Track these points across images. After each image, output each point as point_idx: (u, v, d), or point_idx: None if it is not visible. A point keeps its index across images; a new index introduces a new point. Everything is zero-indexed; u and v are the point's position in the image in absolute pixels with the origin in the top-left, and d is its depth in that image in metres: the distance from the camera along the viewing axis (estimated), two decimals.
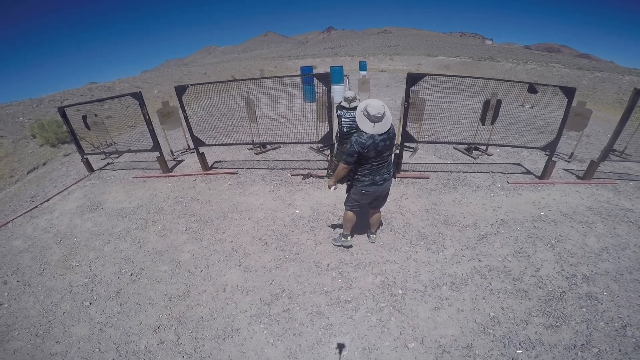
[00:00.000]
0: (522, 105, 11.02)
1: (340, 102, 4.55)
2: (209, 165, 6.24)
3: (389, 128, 2.81)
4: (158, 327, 3.03)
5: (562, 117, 4.83)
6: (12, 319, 3.33)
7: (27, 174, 7.65)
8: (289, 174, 5.76)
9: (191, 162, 6.76)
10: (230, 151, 7.12)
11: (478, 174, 5.26)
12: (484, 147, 6.53)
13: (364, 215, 3.74)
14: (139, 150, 6.58)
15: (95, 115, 7.47)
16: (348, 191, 3.34)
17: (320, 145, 6.90)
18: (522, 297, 2.93)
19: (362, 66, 20.99)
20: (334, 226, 4.18)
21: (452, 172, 5.40)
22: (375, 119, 2.68)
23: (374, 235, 3.81)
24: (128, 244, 4.24)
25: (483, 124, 5.89)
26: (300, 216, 4.52)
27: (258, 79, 5.90)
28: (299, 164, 6.25)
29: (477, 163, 5.91)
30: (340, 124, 4.51)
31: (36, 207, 5.65)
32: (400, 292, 3.03)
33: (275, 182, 5.50)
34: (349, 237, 3.67)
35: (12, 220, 5.26)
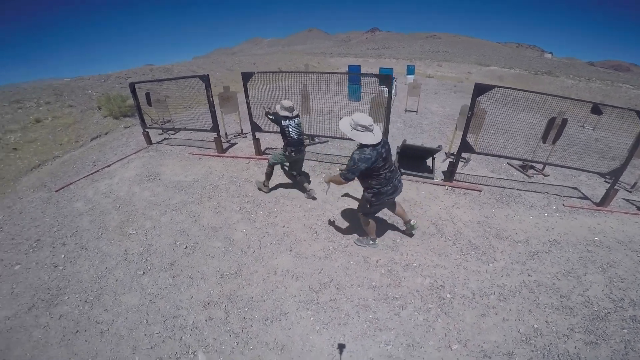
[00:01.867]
0: (582, 126, 10.31)
1: (276, 112, 4.45)
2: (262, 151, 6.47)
3: (382, 137, 2.88)
4: (208, 303, 3.14)
5: (632, 143, 4.48)
6: (64, 282, 3.50)
7: (91, 140, 8.37)
8: (338, 169, 5.84)
9: (243, 145, 7.06)
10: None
11: (532, 193, 5.14)
12: (540, 166, 6.24)
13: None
14: (197, 130, 6.95)
15: (149, 93, 8.02)
16: (369, 205, 3.26)
17: None
18: (567, 313, 3.00)
19: (410, 70, 20.60)
20: (333, 224, 4.24)
21: (506, 188, 5.29)
22: (371, 128, 2.76)
23: (414, 222, 3.83)
24: (184, 216, 4.49)
25: (544, 142, 5.65)
26: (350, 211, 4.58)
27: (318, 72, 6.04)
28: (346, 160, 6.29)
29: (532, 182, 5.69)
30: (287, 133, 4.37)
31: (97, 171, 6.17)
32: (448, 296, 3.09)
33: (324, 175, 5.59)
34: (377, 240, 3.78)
35: (74, 182, 5.77)
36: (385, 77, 4.90)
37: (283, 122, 4.35)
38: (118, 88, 10.60)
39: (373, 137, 2.77)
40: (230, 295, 3.24)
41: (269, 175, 4.79)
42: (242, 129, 7.84)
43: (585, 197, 5.21)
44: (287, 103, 4.34)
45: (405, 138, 6.37)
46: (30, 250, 4.00)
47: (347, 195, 4.97)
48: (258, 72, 5.48)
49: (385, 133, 5.19)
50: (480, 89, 4.80)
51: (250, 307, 3.07)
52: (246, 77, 5.48)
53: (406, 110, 11.33)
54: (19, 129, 7.96)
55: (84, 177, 5.91)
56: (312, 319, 2.91)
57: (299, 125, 4.38)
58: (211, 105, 5.98)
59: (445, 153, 6.30)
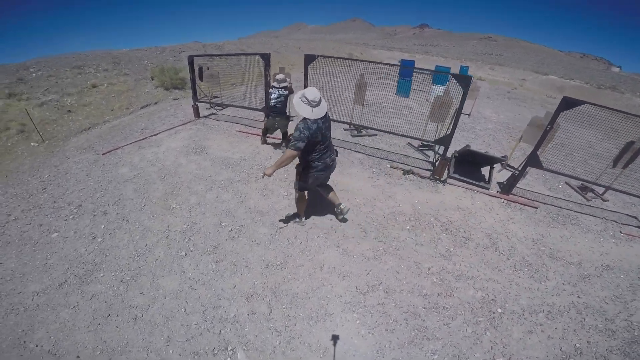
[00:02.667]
0: None
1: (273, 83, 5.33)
2: None
3: (326, 113, 3.04)
4: (251, 295, 2.96)
5: None
6: (101, 257, 3.33)
7: (141, 108, 8.58)
8: (388, 165, 5.51)
9: (290, 129, 6.85)
10: None
11: (589, 217, 4.93)
12: (599, 190, 5.73)
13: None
14: (248, 108, 6.87)
15: (208, 69, 8.03)
16: (299, 176, 3.36)
17: (420, 143, 6.51)
18: (608, 335, 3.00)
19: (464, 71, 19.45)
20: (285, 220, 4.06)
21: (562, 209, 5.03)
22: (314, 104, 2.89)
23: (343, 206, 3.82)
24: (230, 195, 4.38)
25: (614, 166, 5.23)
26: (401, 212, 4.33)
27: (379, 63, 5.66)
28: (397, 157, 5.95)
29: (590, 205, 5.35)
30: (269, 99, 5.30)
31: (145, 138, 6.25)
32: (499, 310, 3.05)
33: (374, 170, 5.30)
34: (303, 219, 3.86)
35: (122, 146, 5.86)
36: (463, 79, 4.47)
37: (270, 90, 5.26)
38: (172, 61, 10.84)
39: (311, 113, 2.91)
40: (274, 288, 3.06)
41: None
42: (289, 112, 7.65)
43: None
44: (278, 76, 5.11)
45: (469, 143, 5.89)
46: (71, 217, 3.97)
47: (393, 196, 4.65)
48: (321, 56, 5.21)
49: (450, 136, 4.89)
50: (568, 103, 4.31)
51: (295, 304, 2.91)
52: (309, 59, 5.25)
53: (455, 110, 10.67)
54: (76, 93, 8.32)
55: (131, 143, 6.01)
56: (357, 322, 2.78)
57: (279, 96, 5.15)
58: (267, 85, 5.81)
59: (502, 164, 5.78)
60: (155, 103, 8.97)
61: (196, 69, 7.33)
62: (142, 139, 6.19)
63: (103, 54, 10.96)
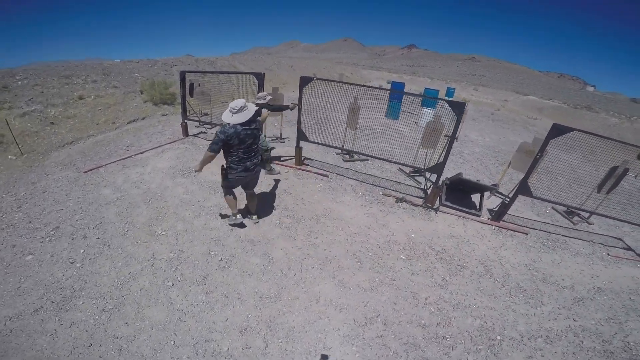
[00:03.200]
0: (636, 177, 9.48)
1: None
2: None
3: (250, 122, 3.32)
4: (245, 329, 2.85)
5: None
6: (80, 283, 3.15)
7: (127, 123, 8.35)
8: (381, 192, 5.49)
9: (281, 151, 6.81)
10: (318, 151, 7.04)
11: (577, 241, 5.12)
12: (585, 214, 5.95)
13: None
14: None
15: (199, 85, 7.93)
16: (223, 179, 3.63)
17: (411, 169, 6.54)
18: (607, 357, 3.09)
19: (450, 92, 20.08)
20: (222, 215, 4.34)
21: (551, 234, 5.17)
22: (233, 111, 3.23)
23: (255, 216, 4.24)
24: (219, 222, 4.21)
25: (599, 192, 5.45)
26: (395, 241, 4.31)
27: (375, 88, 5.71)
28: (389, 184, 5.95)
29: (577, 229, 5.56)
30: None
31: (130, 156, 6.03)
32: (498, 337, 3.08)
33: (367, 197, 5.27)
34: (238, 215, 3.98)
35: (105, 165, 5.60)
36: (458, 105, 4.54)
37: None
38: (163, 74, 10.69)
39: (230, 118, 3.24)
40: (269, 322, 2.95)
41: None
42: (281, 134, 7.60)
43: (629, 248, 5.24)
44: (258, 94, 4.85)
45: (461, 171, 5.98)
46: (47, 239, 3.72)
47: (387, 225, 4.61)
48: (317, 78, 5.21)
49: (443, 164, 4.93)
50: (558, 131, 4.41)
51: (292, 338, 2.84)
52: (304, 81, 5.22)
53: (445, 136, 10.86)
54: (61, 104, 8.04)
55: (115, 162, 5.77)
56: (357, 355, 2.75)
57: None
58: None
59: (492, 192, 5.88)
60: (143, 118, 8.76)
61: (187, 85, 7.24)
62: (127, 157, 5.96)
63: (94, 64, 10.72)
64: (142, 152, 6.22)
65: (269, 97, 5.06)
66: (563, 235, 5.18)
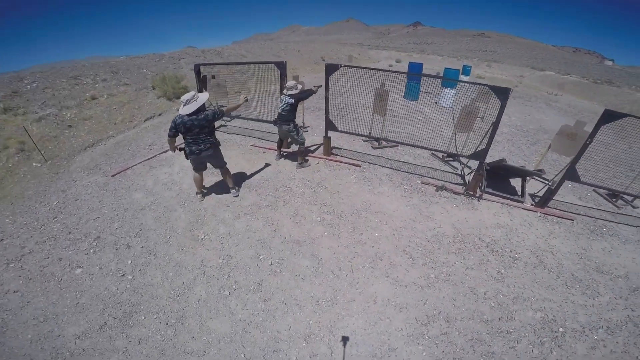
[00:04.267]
0: None
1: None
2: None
3: (197, 113, 3.71)
4: (309, 336, 2.81)
5: None
6: (136, 297, 3.13)
7: (144, 121, 8.26)
8: (419, 181, 5.30)
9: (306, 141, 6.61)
10: (344, 139, 6.83)
11: (624, 226, 4.92)
12: (629, 198, 5.68)
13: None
14: (260, 120, 6.59)
15: (213, 77, 7.74)
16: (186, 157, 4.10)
17: (444, 154, 6.31)
18: None
19: (466, 70, 19.44)
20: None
21: (597, 219, 4.99)
22: (182, 103, 3.67)
23: (234, 190, 4.65)
24: (261, 223, 4.11)
25: None
26: (443, 234, 4.17)
27: (401, 72, 5.43)
28: (424, 171, 5.75)
29: (622, 214, 5.31)
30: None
31: (155, 156, 5.96)
32: (560, 329, 3.08)
33: (405, 187, 5.10)
34: (198, 195, 4.59)
35: (131, 167, 5.56)
36: (502, 91, 4.30)
37: (281, 97, 5.08)
38: (172, 68, 10.49)
39: (181, 109, 3.69)
40: (330, 327, 2.90)
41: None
42: (303, 122, 7.41)
43: None
44: (288, 83, 4.92)
45: (504, 157, 5.76)
46: (91, 251, 3.71)
47: (432, 216, 4.46)
48: (345, 66, 4.97)
49: (486, 151, 4.72)
50: (610, 116, 4.18)
51: (355, 342, 2.81)
52: (330, 69, 4.99)
53: (479, 118, 10.53)
54: (75, 106, 7.95)
55: (140, 162, 5.71)
56: (424, 354, 2.75)
57: (285, 103, 4.89)
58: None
59: (537, 176, 5.63)
60: (159, 115, 8.65)
61: (204, 77, 7.07)
62: (152, 157, 5.89)
63: (100, 63, 10.57)
64: (166, 151, 6.14)
65: (300, 86, 4.87)
66: (610, 221, 4.98)
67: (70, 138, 6.86)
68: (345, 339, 2.80)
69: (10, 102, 7.40)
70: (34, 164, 5.79)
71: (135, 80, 9.68)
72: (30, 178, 5.38)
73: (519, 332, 2.99)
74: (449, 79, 6.82)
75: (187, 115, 3.65)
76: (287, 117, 4.93)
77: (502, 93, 4.38)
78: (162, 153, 6.07)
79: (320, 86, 5.18)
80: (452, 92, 11.07)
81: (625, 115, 4.27)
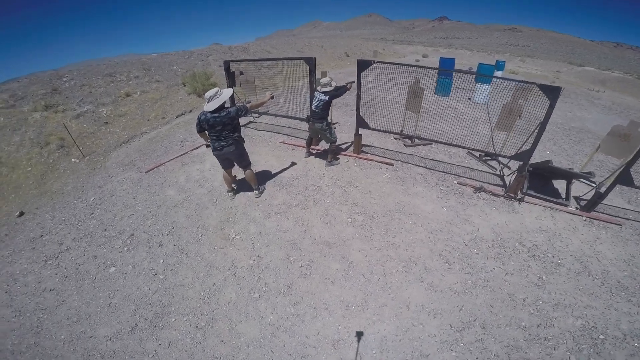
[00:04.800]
0: None
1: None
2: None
3: (219, 110, 3.68)
4: (337, 342, 2.74)
5: None
6: (167, 297, 3.13)
7: (176, 117, 8.46)
8: (456, 182, 5.07)
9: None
10: (374, 136, 6.67)
11: None
12: None
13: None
14: (289, 117, 6.53)
15: (241, 73, 7.78)
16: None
17: (482, 153, 6.01)
18: None
19: (500, 66, 18.50)
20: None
21: None
22: (206, 100, 3.68)
23: (256, 191, 4.62)
24: (291, 223, 4.06)
25: None
26: (482, 238, 3.96)
27: (434, 68, 5.20)
28: (461, 171, 5.50)
29: None
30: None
31: (186, 152, 6.05)
32: (601, 337, 2.99)
33: (441, 187, 4.89)
34: (229, 193, 4.61)
35: (164, 163, 5.67)
36: (552, 90, 4.03)
37: (315, 93, 4.91)
38: (200, 65, 10.69)
39: (205, 106, 3.69)
40: (360, 332, 2.82)
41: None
42: (331, 119, 7.31)
43: None
44: (323, 80, 4.76)
45: (550, 159, 5.44)
46: (125, 249, 3.79)
47: (469, 219, 4.28)
48: (378, 62, 4.81)
49: (531, 152, 4.50)
50: None
51: (385, 349, 2.73)
52: (363, 65, 4.85)
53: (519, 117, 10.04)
54: (111, 103, 8.26)
55: (173, 159, 5.82)
56: None
57: (319, 101, 4.75)
58: (312, 93, 5.47)
59: (586, 179, 5.25)
60: (190, 111, 8.84)
61: (236, 73, 7.12)
62: (184, 154, 6.00)
63: (132, 60, 10.96)
64: (197, 148, 6.24)
65: (334, 83, 4.76)
66: None
67: (107, 134, 7.14)
68: (373, 343, 2.71)
69: (51, 99, 7.80)
70: (73, 160, 6.06)
71: (166, 77, 9.94)
72: (70, 174, 5.62)
73: (557, 339, 2.92)
74: (490, 75, 6.48)
75: (210, 112, 3.67)
76: (320, 114, 4.83)
77: (552, 92, 4.09)
78: (193, 149, 6.16)
79: (354, 82, 5.05)
80: (487, 87, 10.59)
81: None
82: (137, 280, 3.36)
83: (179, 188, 4.90)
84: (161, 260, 3.58)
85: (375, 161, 5.53)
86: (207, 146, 4.15)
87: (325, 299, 3.09)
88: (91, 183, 5.26)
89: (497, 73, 17.74)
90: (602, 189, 4.67)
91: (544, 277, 3.50)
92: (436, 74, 11.21)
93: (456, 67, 16.22)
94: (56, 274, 3.51)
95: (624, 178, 4.34)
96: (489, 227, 4.13)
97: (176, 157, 5.87)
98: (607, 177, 4.92)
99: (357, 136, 5.56)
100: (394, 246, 3.71)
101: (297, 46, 18.32)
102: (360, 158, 5.63)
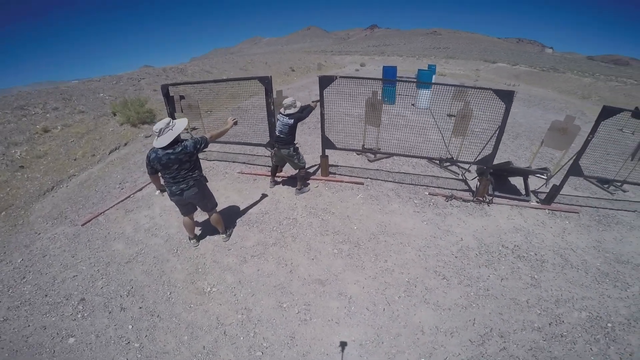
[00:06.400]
0: (622, 130, 9.80)
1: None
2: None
3: (173, 145, 3.11)
4: None
5: None
6: None
7: (109, 153, 7.49)
8: (427, 192, 5.14)
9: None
10: (337, 154, 6.55)
11: (623, 212, 5.12)
12: (617, 183, 5.94)
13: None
14: (246, 143, 6.10)
15: (182, 97, 7.18)
16: None
17: (443, 160, 6.24)
18: None
19: (432, 69, 19.98)
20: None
21: (599, 209, 5.15)
22: (155, 133, 3.07)
23: (224, 235, 4.10)
24: (273, 265, 3.69)
25: (632, 159, 5.69)
26: (467, 246, 4.04)
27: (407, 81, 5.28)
28: (428, 180, 5.63)
29: (617, 199, 5.57)
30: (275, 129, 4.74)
31: (128, 197, 5.31)
32: (609, 325, 3.13)
33: (415, 201, 4.91)
34: (192, 240, 4.04)
35: (103, 212, 4.87)
36: (506, 94, 4.27)
37: (277, 116, 4.62)
38: (132, 90, 9.70)
39: (155, 142, 3.11)
40: None
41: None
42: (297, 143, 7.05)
43: None
44: (284, 101, 4.51)
45: (509, 160, 5.76)
46: (79, 316, 3.14)
47: (450, 229, 4.33)
48: (340, 77, 4.70)
49: (493, 155, 4.74)
50: (608, 112, 4.28)
51: None
52: (325, 82, 4.69)
53: (449, 115, 10.71)
54: (25, 141, 7.03)
55: (113, 206, 5.02)
56: None
57: (284, 125, 4.48)
58: (270, 115, 5.17)
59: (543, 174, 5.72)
60: (125, 144, 7.90)
61: (176, 99, 6.50)
62: (126, 199, 5.22)
63: (48, 89, 9.54)
64: (141, 189, 5.50)
65: (299, 104, 4.50)
66: (609, 209, 5.16)
67: (25, 181, 5.99)
68: None
69: None
70: None
71: (92, 106, 8.81)
72: None
73: (572, 334, 3.03)
74: (449, 84, 6.88)
75: (161, 148, 3.09)
76: (286, 139, 4.52)
77: (507, 96, 4.35)
78: (136, 192, 5.42)
79: (318, 101, 4.86)
80: (428, 92, 11.22)
81: (622, 110, 4.44)
82: (109, 351, 2.79)
83: (127, 240, 4.23)
84: (130, 326, 3.01)
85: (346, 182, 5.40)
86: (162, 191, 3.55)
87: (335, 342, 2.84)
88: (14, 243, 4.33)
89: (433, 78, 19.14)
90: (552, 182, 5.09)
91: (535, 276, 3.66)
92: (381, 84, 11.59)
93: (398, 74, 17.07)
94: (2, 349, 2.84)
95: (574, 170, 4.75)
96: (470, 235, 4.22)
97: (117, 204, 5.08)
98: (557, 170, 5.38)
99: (324, 158, 5.37)
100: (389, 271, 3.57)
101: (240, 64, 17.79)
102: (330, 180, 5.46)
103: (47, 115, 8.10)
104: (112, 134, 8.12)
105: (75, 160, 6.93)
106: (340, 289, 3.35)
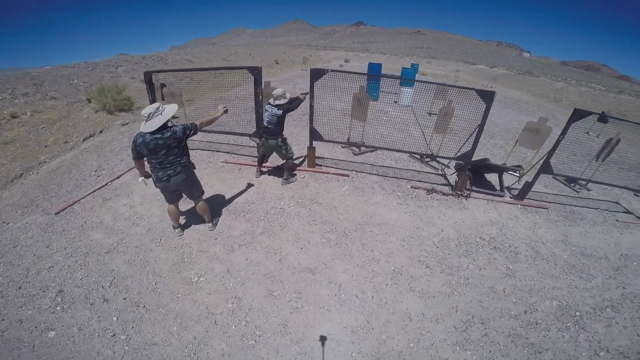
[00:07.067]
0: (588, 134, 10.49)
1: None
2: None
3: (162, 130, 3.09)
4: None
5: None
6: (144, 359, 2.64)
7: (83, 141, 7.20)
8: (409, 186, 5.32)
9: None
10: (323, 146, 6.61)
11: (588, 209, 5.47)
12: (582, 182, 6.36)
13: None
14: (231, 133, 6.02)
15: (163, 85, 7.02)
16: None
17: (424, 155, 6.45)
18: None
19: (415, 68, 20.34)
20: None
21: (566, 205, 5.48)
22: (144, 117, 3.05)
23: (210, 224, 4.09)
24: (261, 255, 3.71)
25: (596, 160, 6.04)
26: (448, 237, 4.24)
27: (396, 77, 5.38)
28: (410, 174, 5.81)
29: (582, 197, 5.95)
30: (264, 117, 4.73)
31: (106, 184, 5.16)
32: (577, 314, 3.34)
33: (398, 194, 5.07)
34: (176, 230, 4.00)
35: (78, 200, 4.70)
36: (488, 95, 4.46)
37: (265, 106, 4.65)
38: (109, 77, 9.32)
39: (143, 126, 3.08)
40: (375, 354, 2.75)
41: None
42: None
43: (628, 212, 5.66)
44: (274, 92, 4.50)
45: (487, 157, 6.00)
46: (58, 309, 3.03)
47: (432, 221, 4.51)
48: (332, 71, 4.75)
49: (472, 151, 4.94)
50: (579, 115, 4.57)
51: None
52: (316, 74, 4.73)
53: (430, 114, 11.02)
54: None
55: (89, 194, 4.84)
56: (474, 358, 2.82)
57: (272, 115, 4.49)
58: (258, 105, 5.15)
59: (517, 171, 6.02)
60: (101, 131, 7.61)
61: (157, 86, 6.32)
62: (103, 186, 5.05)
63: (18, 75, 9.01)
64: (119, 177, 5.34)
65: (288, 95, 4.52)
66: (575, 206, 5.50)
67: None
68: None
69: None
70: None
71: (65, 93, 8.42)
72: None
73: (546, 322, 3.21)
74: (433, 82, 7.06)
75: (149, 133, 3.05)
76: (274, 130, 4.53)
77: (487, 97, 4.56)
78: (114, 180, 5.26)
79: (307, 93, 4.90)
80: (411, 90, 11.48)
81: (591, 112, 4.75)
82: (93, 344, 2.71)
83: (106, 230, 4.11)
84: (114, 318, 2.94)
85: (332, 174, 5.49)
86: (147, 177, 3.48)
87: (328, 329, 2.91)
88: None
89: (416, 77, 19.51)
90: (524, 179, 5.39)
91: (510, 267, 3.86)
92: (365, 79, 11.72)
93: (382, 71, 17.31)
94: None
95: (545, 168, 5.03)
96: (450, 226, 4.42)
97: (93, 192, 4.91)
98: (529, 168, 5.70)
99: (311, 149, 5.44)
100: (375, 260, 3.70)
101: (222, 55, 17.41)
102: (316, 172, 5.53)
103: (16, 100, 7.67)
104: (86, 121, 7.80)
105: (46, 147, 6.61)
106: (329, 277, 3.44)
